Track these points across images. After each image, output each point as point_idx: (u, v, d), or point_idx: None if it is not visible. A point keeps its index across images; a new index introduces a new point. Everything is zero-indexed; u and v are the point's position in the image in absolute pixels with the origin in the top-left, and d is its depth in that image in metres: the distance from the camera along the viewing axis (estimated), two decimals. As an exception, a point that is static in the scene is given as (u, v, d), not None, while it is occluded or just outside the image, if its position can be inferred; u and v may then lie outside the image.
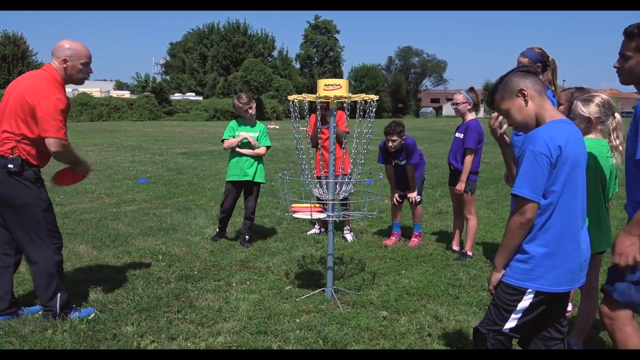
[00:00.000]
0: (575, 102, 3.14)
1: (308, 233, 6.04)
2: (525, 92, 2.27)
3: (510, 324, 2.31)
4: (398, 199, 5.73)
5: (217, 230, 5.83)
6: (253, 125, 5.67)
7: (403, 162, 5.59)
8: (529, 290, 2.25)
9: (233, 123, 5.69)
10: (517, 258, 2.29)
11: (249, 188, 5.63)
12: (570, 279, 2.27)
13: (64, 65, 3.46)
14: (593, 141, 3.04)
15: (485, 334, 2.37)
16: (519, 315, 2.30)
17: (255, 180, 5.61)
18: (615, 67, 2.56)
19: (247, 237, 5.61)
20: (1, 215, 3.45)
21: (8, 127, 3.34)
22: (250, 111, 5.55)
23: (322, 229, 6.08)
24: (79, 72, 3.52)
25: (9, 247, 3.54)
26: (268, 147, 5.76)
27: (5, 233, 3.51)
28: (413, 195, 5.63)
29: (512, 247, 2.28)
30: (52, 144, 3.31)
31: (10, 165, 3.29)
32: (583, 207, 2.30)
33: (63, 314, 3.51)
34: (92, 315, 3.61)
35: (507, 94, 2.33)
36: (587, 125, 3.07)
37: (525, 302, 2.27)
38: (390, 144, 5.43)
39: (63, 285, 3.56)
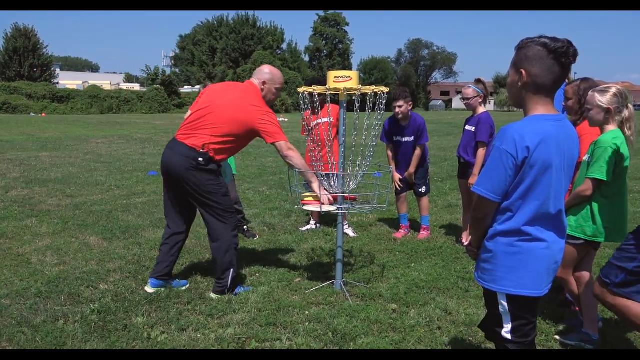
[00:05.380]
0: (591, 93, 3.10)
1: (303, 229, 5.97)
2: (523, 75, 2.03)
3: (507, 328, 2.15)
4: (400, 184, 5.63)
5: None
6: None
7: (406, 140, 5.50)
8: (498, 294, 2.13)
9: None
10: (481, 257, 2.19)
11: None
12: (538, 281, 2.09)
13: (262, 87, 3.94)
14: (618, 132, 3.05)
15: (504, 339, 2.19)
16: (509, 323, 2.15)
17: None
18: None
19: (245, 227, 5.64)
20: (191, 200, 3.83)
21: (209, 126, 3.72)
22: None
23: (318, 225, 6.06)
24: (273, 95, 4.00)
25: (187, 228, 4.05)
26: None
27: (181, 217, 3.97)
28: (410, 172, 5.52)
29: (478, 236, 2.19)
30: (282, 147, 3.77)
31: (200, 159, 3.68)
32: (555, 210, 2.06)
33: (232, 287, 3.89)
34: (251, 289, 3.99)
35: (514, 62, 2.07)
36: (607, 115, 3.05)
37: (504, 306, 2.13)
38: (397, 109, 5.38)
39: (237, 261, 3.93)
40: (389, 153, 5.69)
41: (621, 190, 3.12)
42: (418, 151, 5.50)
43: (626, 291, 2.60)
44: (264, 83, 3.93)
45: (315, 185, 3.84)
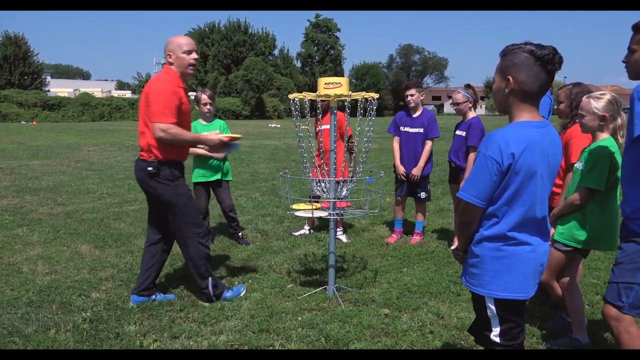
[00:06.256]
0: (585, 99, 3.06)
1: (296, 234, 5.97)
2: (510, 82, 2.04)
3: (495, 331, 2.17)
4: (403, 175, 5.57)
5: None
6: (211, 122, 5.47)
7: (414, 131, 5.51)
8: (486, 298, 2.15)
9: (196, 124, 5.39)
10: (469, 262, 2.20)
11: (219, 187, 5.51)
12: (525, 284, 2.11)
13: (170, 60, 3.71)
14: (612, 140, 3.01)
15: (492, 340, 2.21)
16: (498, 327, 2.16)
17: (225, 178, 5.50)
18: (623, 62, 2.51)
19: (240, 234, 5.63)
20: (159, 210, 3.83)
21: (142, 129, 3.64)
22: (208, 107, 5.35)
23: (312, 230, 6.07)
24: (185, 61, 3.70)
25: (166, 238, 3.97)
26: None
27: (158, 227, 3.92)
28: (414, 171, 5.49)
29: (464, 241, 2.22)
30: (154, 129, 3.52)
31: (150, 168, 3.59)
32: (541, 215, 2.10)
33: (217, 295, 3.87)
34: (242, 293, 4.00)
35: (500, 69, 2.08)
36: (601, 123, 3.00)
37: (492, 310, 2.15)
38: (409, 98, 5.46)
39: (210, 269, 3.88)
40: (395, 145, 5.68)
41: (614, 199, 3.07)
42: (428, 146, 5.51)
43: (639, 311, 2.47)
44: (169, 56, 3.71)
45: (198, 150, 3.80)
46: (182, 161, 3.81)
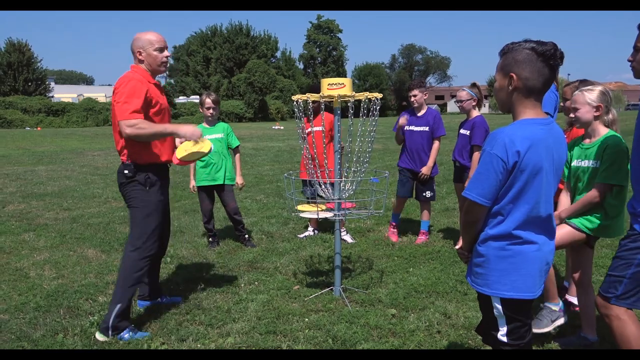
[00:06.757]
0: (578, 92, 3.06)
1: (301, 236, 5.98)
2: (514, 79, 2.03)
3: (502, 331, 2.16)
4: (406, 119, 5.58)
5: (209, 239, 5.67)
6: (214, 126, 5.48)
7: (419, 129, 5.53)
8: (492, 298, 2.14)
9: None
10: (474, 261, 2.19)
11: (222, 191, 5.52)
12: (531, 284, 2.09)
13: (140, 57, 3.49)
14: (614, 133, 3.01)
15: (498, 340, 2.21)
16: (504, 326, 2.15)
17: (227, 183, 5.50)
18: (628, 60, 2.52)
19: (246, 236, 5.64)
20: None
21: (115, 131, 3.44)
22: (211, 112, 5.35)
23: (316, 231, 6.07)
24: (157, 58, 3.50)
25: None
26: (238, 146, 5.65)
27: None
28: (424, 170, 5.51)
29: (469, 240, 2.20)
30: (121, 126, 3.27)
31: (126, 171, 3.45)
32: (545, 214, 2.09)
33: (115, 327, 3.33)
34: (143, 338, 3.37)
35: (502, 67, 2.08)
36: (596, 113, 3.00)
37: (499, 309, 2.14)
38: (412, 99, 5.50)
39: (131, 296, 3.42)
40: (400, 144, 5.73)
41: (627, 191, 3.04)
42: (436, 144, 5.54)
43: (628, 302, 2.52)
44: (140, 53, 3.48)
45: (181, 136, 3.45)
46: (164, 163, 3.57)
